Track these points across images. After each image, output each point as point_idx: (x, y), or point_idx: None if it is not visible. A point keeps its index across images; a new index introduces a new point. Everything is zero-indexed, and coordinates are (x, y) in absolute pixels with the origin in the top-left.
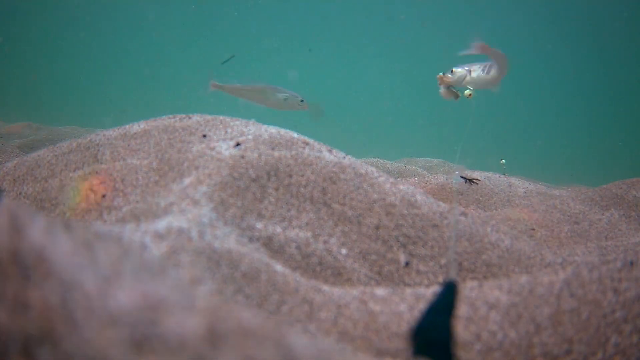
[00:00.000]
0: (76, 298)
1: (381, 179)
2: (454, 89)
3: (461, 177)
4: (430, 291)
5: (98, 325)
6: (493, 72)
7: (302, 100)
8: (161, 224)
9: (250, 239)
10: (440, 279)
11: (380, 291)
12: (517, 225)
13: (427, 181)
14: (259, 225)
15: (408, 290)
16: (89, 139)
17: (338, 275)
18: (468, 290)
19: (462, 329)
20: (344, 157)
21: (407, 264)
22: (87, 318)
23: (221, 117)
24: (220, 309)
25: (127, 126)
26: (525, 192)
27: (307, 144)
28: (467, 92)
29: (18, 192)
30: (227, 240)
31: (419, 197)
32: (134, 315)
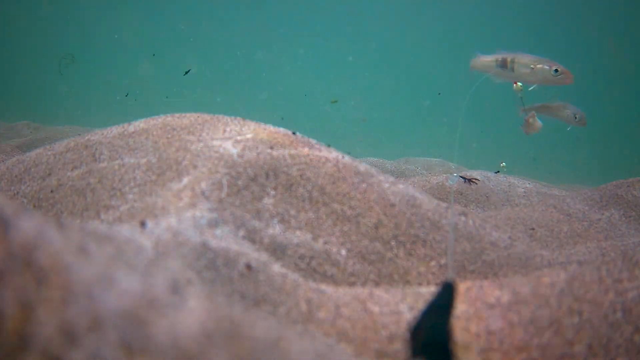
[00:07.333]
0: (64, 299)
1: (380, 178)
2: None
3: (460, 176)
4: (429, 291)
5: (87, 326)
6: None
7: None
8: (158, 224)
9: (248, 239)
10: (441, 279)
11: (379, 291)
12: (517, 225)
13: (427, 180)
14: (258, 225)
15: (407, 291)
16: (87, 137)
17: (337, 276)
18: (468, 290)
19: (461, 329)
20: (343, 156)
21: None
22: (76, 319)
23: (219, 116)
24: (213, 310)
25: (125, 125)
26: (524, 192)
27: (306, 143)
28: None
29: (15, 191)
30: (225, 239)
31: (418, 197)
32: (125, 316)
